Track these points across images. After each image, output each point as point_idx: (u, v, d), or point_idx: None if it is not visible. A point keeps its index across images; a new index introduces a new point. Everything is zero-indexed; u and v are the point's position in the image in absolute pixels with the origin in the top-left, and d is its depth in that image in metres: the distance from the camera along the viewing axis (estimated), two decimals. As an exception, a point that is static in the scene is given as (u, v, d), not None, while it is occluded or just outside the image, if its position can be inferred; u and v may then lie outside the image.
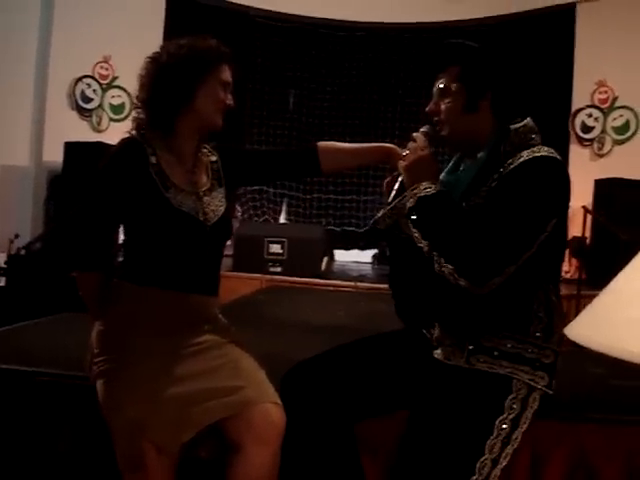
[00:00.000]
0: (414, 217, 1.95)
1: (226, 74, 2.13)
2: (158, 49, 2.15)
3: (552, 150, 1.96)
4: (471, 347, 1.97)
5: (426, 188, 1.94)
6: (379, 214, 2.14)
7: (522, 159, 1.93)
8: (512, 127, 2.02)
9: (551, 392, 1.96)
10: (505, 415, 1.88)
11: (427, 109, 2.12)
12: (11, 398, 2.27)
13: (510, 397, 1.91)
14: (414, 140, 2.06)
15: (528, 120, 2.06)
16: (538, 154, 1.92)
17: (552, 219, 1.89)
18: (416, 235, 1.94)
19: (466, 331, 2.00)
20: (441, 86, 2.08)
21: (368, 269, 7.94)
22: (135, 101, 2.16)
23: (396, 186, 2.09)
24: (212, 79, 2.10)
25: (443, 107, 2.07)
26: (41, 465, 2.21)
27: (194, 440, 1.93)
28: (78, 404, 2.21)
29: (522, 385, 1.93)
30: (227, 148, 2.32)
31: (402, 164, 2.04)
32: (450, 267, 1.83)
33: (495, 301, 1.90)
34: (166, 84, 2.07)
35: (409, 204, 1.97)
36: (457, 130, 2.07)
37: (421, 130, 2.10)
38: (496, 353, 1.95)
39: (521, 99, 2.16)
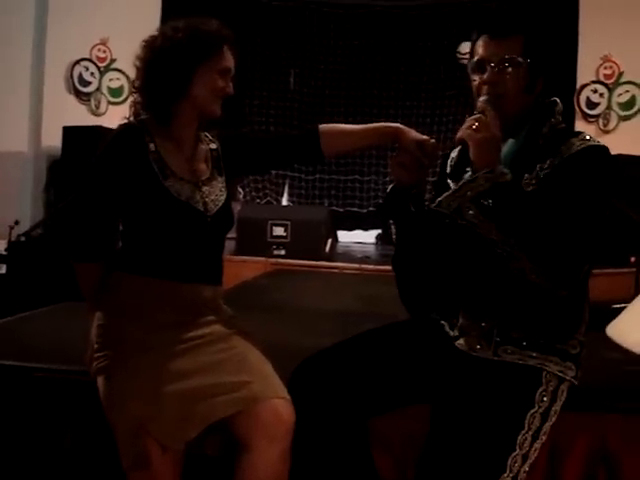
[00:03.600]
0: (487, 204, 1.76)
1: (227, 59, 2.04)
2: (155, 32, 2.06)
3: (598, 140, 1.89)
4: (498, 339, 1.90)
5: (503, 173, 1.77)
6: (443, 195, 1.82)
7: (577, 147, 1.84)
8: (556, 108, 1.95)
9: (577, 383, 1.91)
10: (536, 408, 1.82)
11: (486, 78, 1.91)
12: (8, 395, 2.20)
13: (540, 390, 1.84)
14: (482, 112, 1.86)
15: (557, 100, 1.98)
16: (592, 143, 1.85)
17: (607, 211, 1.83)
18: (486, 225, 1.76)
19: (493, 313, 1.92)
20: (509, 56, 1.89)
21: (372, 250, 7.87)
22: (133, 86, 2.08)
23: (452, 156, 1.91)
24: (211, 65, 2.01)
25: (508, 79, 1.90)
26: (42, 465, 2.15)
27: (200, 437, 1.87)
28: (79, 401, 2.14)
29: (552, 377, 1.86)
30: (228, 136, 2.23)
31: (472, 136, 1.82)
32: (531, 266, 1.74)
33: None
34: (161, 70, 1.99)
35: (481, 188, 1.76)
36: (515, 106, 1.92)
37: (481, 99, 1.90)
38: (524, 343, 1.88)
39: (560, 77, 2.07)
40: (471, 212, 1.78)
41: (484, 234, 1.78)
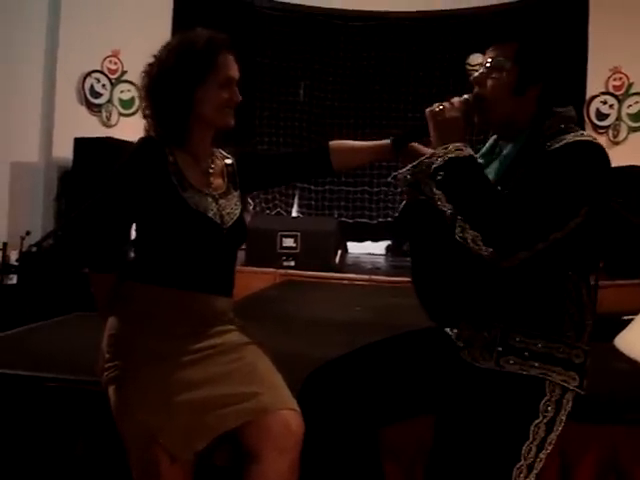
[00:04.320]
0: (440, 177, 1.86)
1: (226, 68, 2.05)
2: (153, 58, 2.07)
3: (595, 138, 1.90)
4: (500, 349, 1.90)
5: (458, 149, 1.86)
6: (401, 171, 2.02)
7: (565, 141, 1.86)
8: (557, 110, 1.96)
9: (583, 393, 1.90)
10: (540, 419, 1.82)
11: (473, 77, 2.01)
12: (19, 405, 2.21)
13: (544, 400, 1.84)
14: (451, 104, 1.96)
15: (571, 107, 2.00)
16: (583, 138, 1.86)
17: (585, 205, 1.82)
18: (439, 197, 1.86)
19: (493, 320, 1.92)
20: (499, 59, 1.97)
21: (381, 261, 7.84)
22: (143, 113, 2.11)
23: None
24: (209, 82, 2.02)
25: (491, 82, 1.98)
26: (53, 474, 2.16)
27: (210, 447, 1.88)
28: (89, 411, 2.15)
29: (555, 387, 1.86)
30: (243, 153, 2.26)
31: (437, 117, 1.94)
32: (475, 234, 1.76)
33: (525, 288, 1.85)
34: (162, 97, 2.02)
35: (436, 164, 1.87)
36: (499, 109, 1.98)
37: (463, 97, 1.99)
38: (526, 354, 1.88)
39: (567, 87, 2.08)
40: (428, 186, 1.91)
41: (440, 206, 1.86)
